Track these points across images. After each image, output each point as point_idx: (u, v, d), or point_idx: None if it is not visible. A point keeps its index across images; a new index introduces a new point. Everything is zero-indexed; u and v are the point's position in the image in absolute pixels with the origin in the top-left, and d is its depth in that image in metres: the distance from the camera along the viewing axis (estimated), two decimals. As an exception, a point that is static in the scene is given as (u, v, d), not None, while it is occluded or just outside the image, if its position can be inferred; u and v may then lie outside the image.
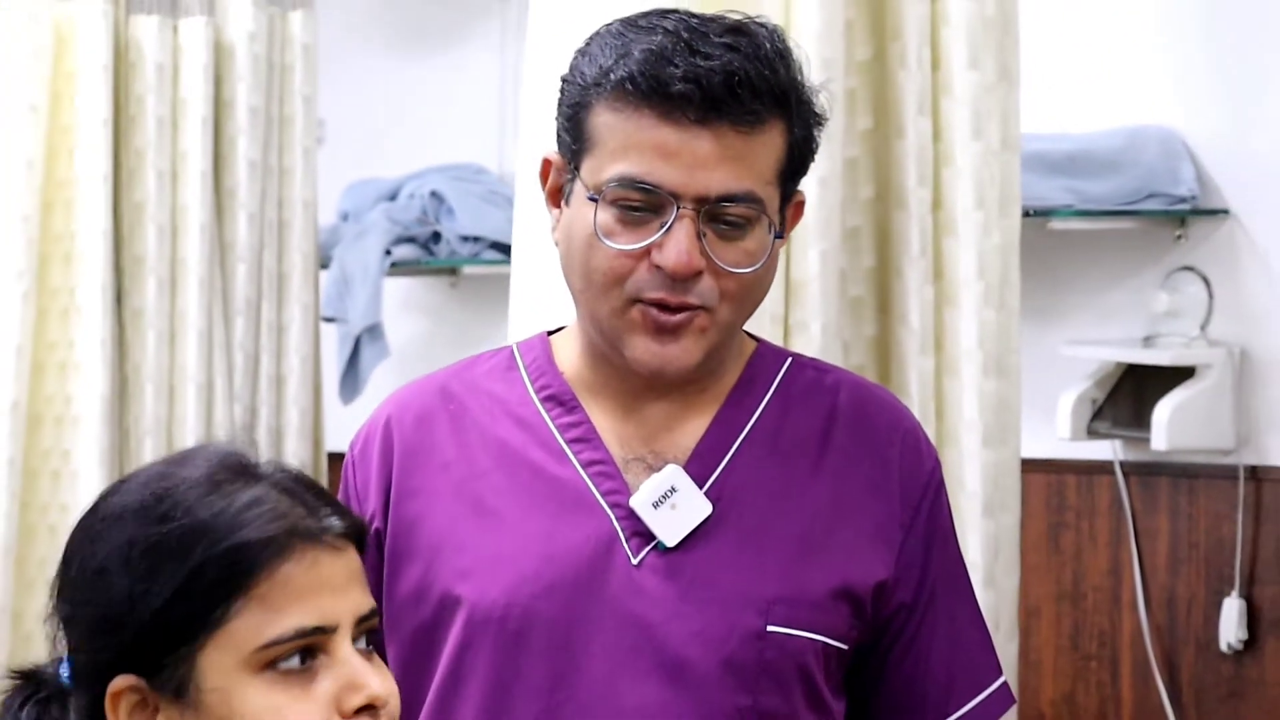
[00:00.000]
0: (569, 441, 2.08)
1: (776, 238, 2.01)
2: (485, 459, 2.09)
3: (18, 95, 3.81)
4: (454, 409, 2.12)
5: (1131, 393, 3.74)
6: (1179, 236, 3.73)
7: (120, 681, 1.57)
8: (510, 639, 2.02)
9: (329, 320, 4.80)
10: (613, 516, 2.04)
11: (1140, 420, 3.67)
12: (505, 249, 4.82)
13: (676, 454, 2.07)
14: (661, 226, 1.95)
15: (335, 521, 1.63)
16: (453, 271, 5.04)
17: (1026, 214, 3.22)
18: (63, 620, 1.62)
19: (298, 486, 1.63)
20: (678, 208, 1.95)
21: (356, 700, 1.58)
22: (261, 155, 4.05)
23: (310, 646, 1.58)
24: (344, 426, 4.47)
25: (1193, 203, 3.68)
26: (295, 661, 1.58)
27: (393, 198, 4.98)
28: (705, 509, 2.04)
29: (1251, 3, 3.66)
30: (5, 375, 3.76)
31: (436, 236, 4.89)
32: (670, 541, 2.03)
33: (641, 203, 1.96)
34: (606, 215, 1.97)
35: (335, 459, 4.45)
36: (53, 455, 3.82)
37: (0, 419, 3.75)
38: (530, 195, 2.64)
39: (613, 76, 1.96)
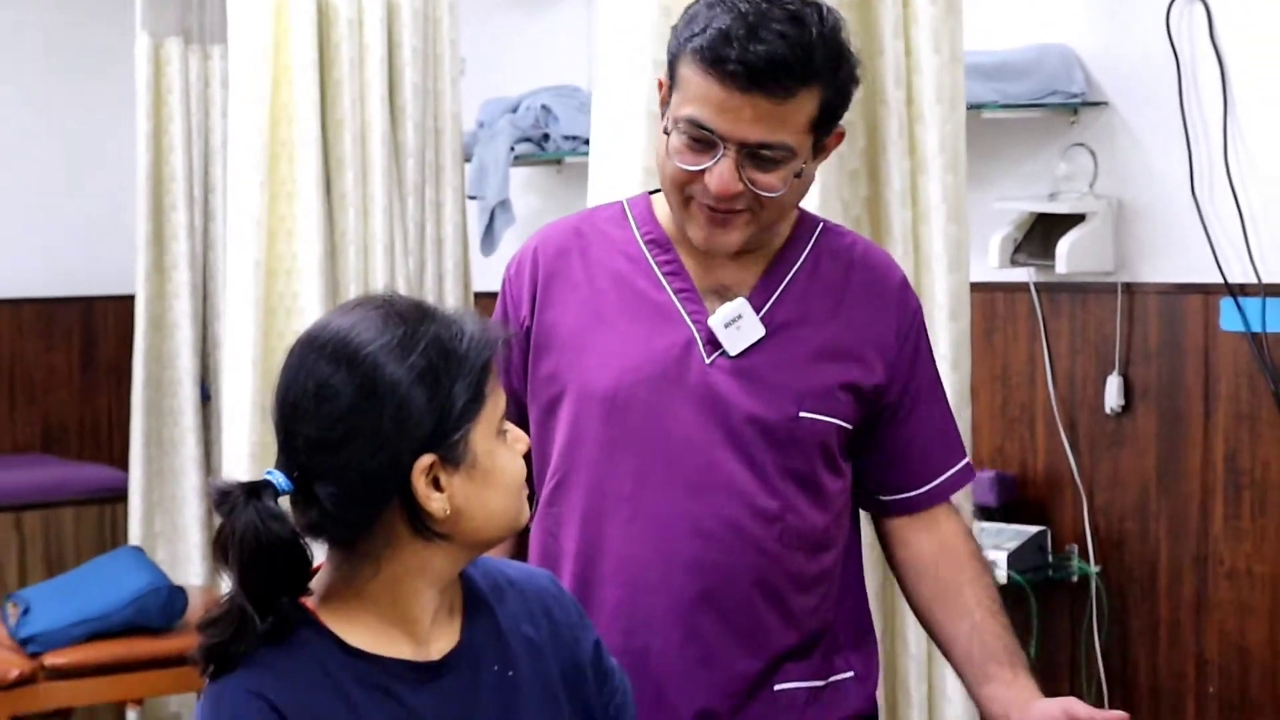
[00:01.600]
0: (664, 274, 2.01)
1: (796, 176, 1.91)
2: (604, 283, 2.03)
3: (254, 39, 3.73)
4: (583, 245, 2.05)
5: (1041, 234, 3.67)
6: (1073, 122, 3.65)
7: (426, 459, 1.53)
8: (618, 412, 1.97)
9: (472, 198, 4.73)
10: (694, 329, 1.98)
11: (1048, 253, 3.61)
12: (595, 145, 4.75)
13: (740, 289, 2.00)
14: (713, 157, 1.88)
15: None
16: (558, 162, 4.94)
17: (968, 108, 3.13)
18: (340, 438, 1.52)
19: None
20: (724, 147, 1.87)
21: (521, 447, 1.63)
22: (422, 82, 3.96)
23: None
24: (485, 273, 4.44)
25: (1082, 98, 3.60)
26: (507, 428, 1.62)
27: (515, 110, 4.88)
28: (760, 331, 1.98)
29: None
30: (249, 240, 3.71)
31: (546, 137, 4.80)
32: (734, 351, 1.98)
33: (701, 137, 1.88)
34: (678, 141, 1.90)
35: (479, 297, 4.42)
36: (285, 296, 3.76)
37: (247, 271, 3.71)
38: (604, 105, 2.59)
39: (695, 42, 1.87)
